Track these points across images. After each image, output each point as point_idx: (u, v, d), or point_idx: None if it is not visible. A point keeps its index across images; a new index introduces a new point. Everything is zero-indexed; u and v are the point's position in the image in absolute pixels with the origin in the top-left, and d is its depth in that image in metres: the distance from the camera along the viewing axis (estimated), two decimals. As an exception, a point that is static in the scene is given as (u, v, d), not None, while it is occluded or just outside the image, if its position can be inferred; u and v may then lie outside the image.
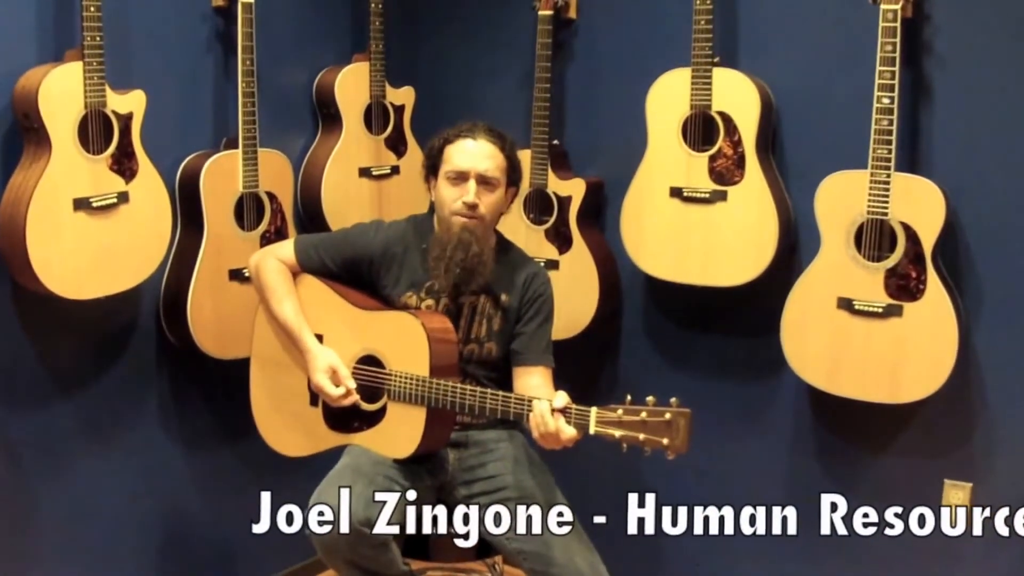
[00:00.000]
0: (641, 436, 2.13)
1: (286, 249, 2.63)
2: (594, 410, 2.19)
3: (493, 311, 2.57)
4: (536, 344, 2.56)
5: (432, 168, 2.58)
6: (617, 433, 2.15)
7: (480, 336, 2.56)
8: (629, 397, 2.17)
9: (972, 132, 2.59)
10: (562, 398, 2.24)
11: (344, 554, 2.36)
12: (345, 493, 2.33)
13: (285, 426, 2.63)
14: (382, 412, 2.48)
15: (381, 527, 2.31)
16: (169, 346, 2.85)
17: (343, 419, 2.53)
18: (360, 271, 2.60)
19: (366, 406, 2.49)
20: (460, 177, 2.50)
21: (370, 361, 2.50)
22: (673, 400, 2.15)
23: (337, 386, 2.47)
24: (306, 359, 2.52)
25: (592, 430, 2.19)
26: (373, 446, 2.48)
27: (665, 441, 2.12)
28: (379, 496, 2.35)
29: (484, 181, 2.50)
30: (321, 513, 2.33)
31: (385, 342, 2.48)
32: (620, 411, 2.15)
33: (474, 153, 2.51)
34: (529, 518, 2.42)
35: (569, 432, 2.21)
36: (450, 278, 2.49)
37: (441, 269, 2.49)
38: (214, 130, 2.89)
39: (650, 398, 2.15)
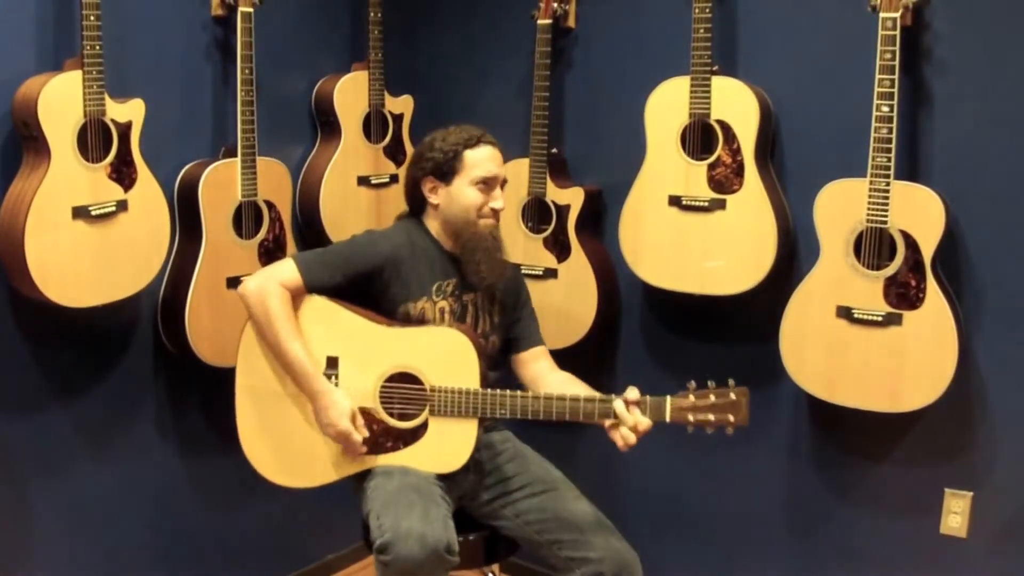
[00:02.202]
0: (712, 417, 2.33)
1: (287, 270, 2.46)
2: (668, 399, 2.33)
3: (491, 306, 2.61)
4: (531, 327, 2.69)
5: (444, 172, 2.55)
6: (692, 417, 2.33)
7: (486, 331, 2.60)
8: (693, 383, 2.34)
9: (972, 140, 2.58)
10: (634, 392, 2.34)
11: None
12: (426, 518, 2.27)
13: (294, 458, 2.51)
14: (423, 428, 2.44)
15: (455, 550, 2.28)
16: (167, 353, 2.85)
17: (371, 440, 2.46)
18: (370, 282, 2.52)
19: (402, 424, 2.45)
20: (489, 184, 2.55)
21: (402, 378, 2.45)
22: (731, 381, 2.34)
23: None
24: (322, 402, 2.42)
25: (668, 418, 2.33)
26: (416, 463, 2.43)
27: (731, 418, 2.32)
28: (446, 517, 2.33)
29: (503, 185, 2.60)
30: (406, 539, 2.22)
31: (422, 358, 2.43)
32: (692, 397, 2.34)
33: (497, 159, 2.58)
34: (558, 507, 2.48)
35: (646, 423, 2.32)
36: (492, 278, 2.55)
37: (485, 271, 2.54)
38: (213, 138, 2.90)
39: (711, 382, 2.34)
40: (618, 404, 2.33)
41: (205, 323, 2.75)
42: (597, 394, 2.39)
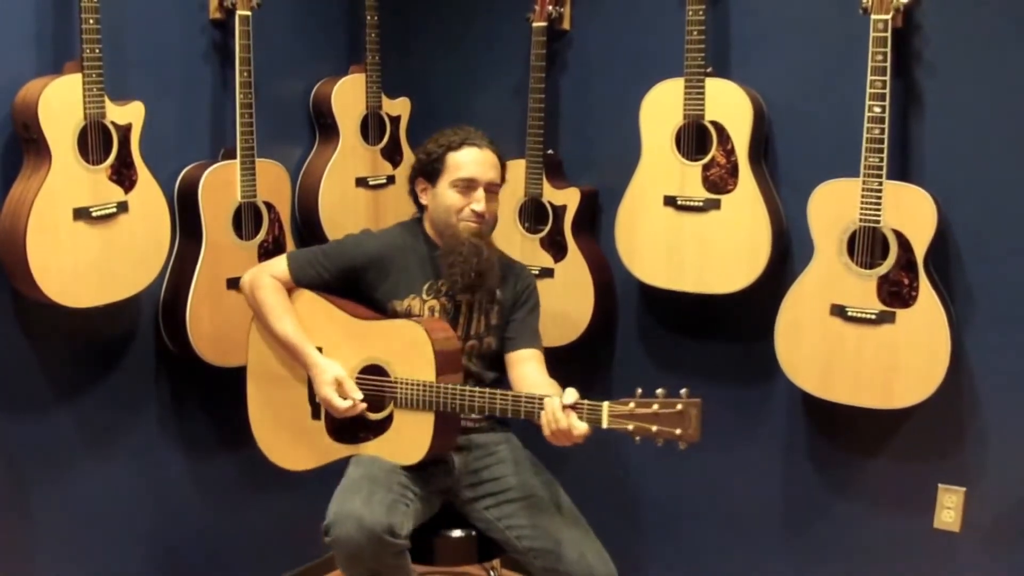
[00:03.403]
0: (654, 428, 2.15)
1: (279, 265, 2.62)
2: (606, 404, 2.21)
3: (489, 306, 2.62)
4: (526, 328, 2.64)
5: (430, 174, 2.60)
6: (630, 426, 2.17)
7: (480, 332, 2.61)
8: (640, 390, 2.19)
9: (962, 140, 2.61)
10: (572, 394, 2.26)
11: (368, 563, 2.33)
12: (368, 502, 2.32)
13: (287, 441, 2.63)
14: (389, 420, 2.49)
15: (400, 533, 2.32)
16: (168, 354, 2.86)
17: (348, 430, 2.54)
18: (356, 280, 2.61)
19: (371, 415, 2.50)
20: (470, 186, 2.55)
21: (373, 370, 2.51)
22: (683, 391, 2.17)
23: (344, 399, 2.47)
24: (312, 373, 2.52)
25: (605, 424, 2.21)
26: (383, 454, 2.49)
27: (678, 431, 2.14)
28: (396, 503, 2.36)
29: (490, 189, 2.58)
30: (344, 521, 2.30)
31: (388, 351, 2.49)
32: (632, 404, 2.18)
33: (482, 162, 2.57)
34: (538, 516, 2.47)
35: (581, 428, 2.23)
36: (466, 281, 2.54)
37: (458, 275, 2.53)
38: (212, 140, 2.91)
39: (660, 390, 2.17)
40: (551, 404, 2.25)
41: (206, 323, 2.76)
42: (537, 394, 2.33)
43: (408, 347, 2.45)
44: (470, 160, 2.56)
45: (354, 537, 2.28)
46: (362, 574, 2.37)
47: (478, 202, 2.55)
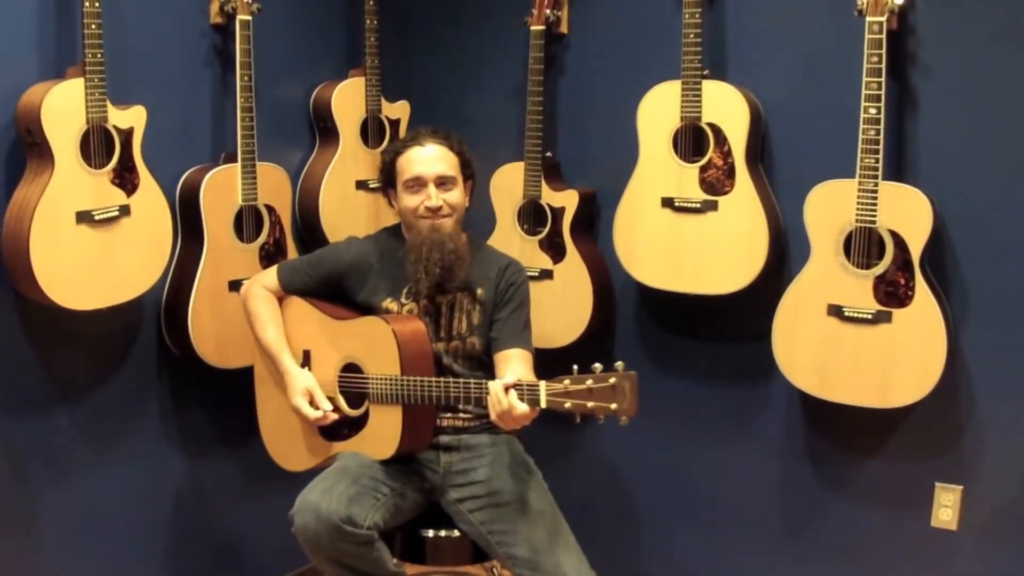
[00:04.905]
0: (590, 404, 2.13)
1: (270, 275, 2.72)
2: (543, 383, 2.21)
3: (471, 306, 2.63)
4: (511, 327, 2.61)
5: (389, 182, 2.68)
6: (567, 403, 2.15)
7: (462, 332, 2.62)
8: (576, 367, 2.19)
9: (957, 140, 2.63)
10: (512, 375, 2.29)
11: (328, 551, 2.40)
12: (327, 493, 2.39)
13: (289, 443, 2.69)
14: (366, 416, 2.54)
15: (361, 524, 2.36)
16: (170, 355, 2.88)
17: (334, 428, 2.60)
18: (338, 286, 2.68)
19: (351, 412, 2.55)
20: (417, 183, 2.60)
21: (352, 368, 2.57)
22: (618, 364, 2.14)
23: (315, 408, 2.54)
24: (285, 381, 2.59)
25: (543, 403, 2.21)
26: (362, 449, 2.55)
27: (613, 406, 2.11)
28: (361, 495, 2.41)
29: (441, 182, 2.60)
30: (303, 511, 2.39)
31: (361, 348, 2.55)
32: (567, 381, 2.16)
33: (425, 158, 2.61)
34: (516, 522, 2.47)
35: (521, 408, 2.24)
36: (432, 279, 2.56)
37: (422, 272, 2.56)
38: (213, 144, 2.93)
39: (596, 365, 2.16)
40: (493, 387, 2.27)
41: (207, 325, 2.78)
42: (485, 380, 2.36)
43: (376, 344, 2.50)
44: (413, 160, 2.61)
45: (311, 526, 2.37)
46: (325, 562, 2.45)
47: (429, 197, 2.58)
